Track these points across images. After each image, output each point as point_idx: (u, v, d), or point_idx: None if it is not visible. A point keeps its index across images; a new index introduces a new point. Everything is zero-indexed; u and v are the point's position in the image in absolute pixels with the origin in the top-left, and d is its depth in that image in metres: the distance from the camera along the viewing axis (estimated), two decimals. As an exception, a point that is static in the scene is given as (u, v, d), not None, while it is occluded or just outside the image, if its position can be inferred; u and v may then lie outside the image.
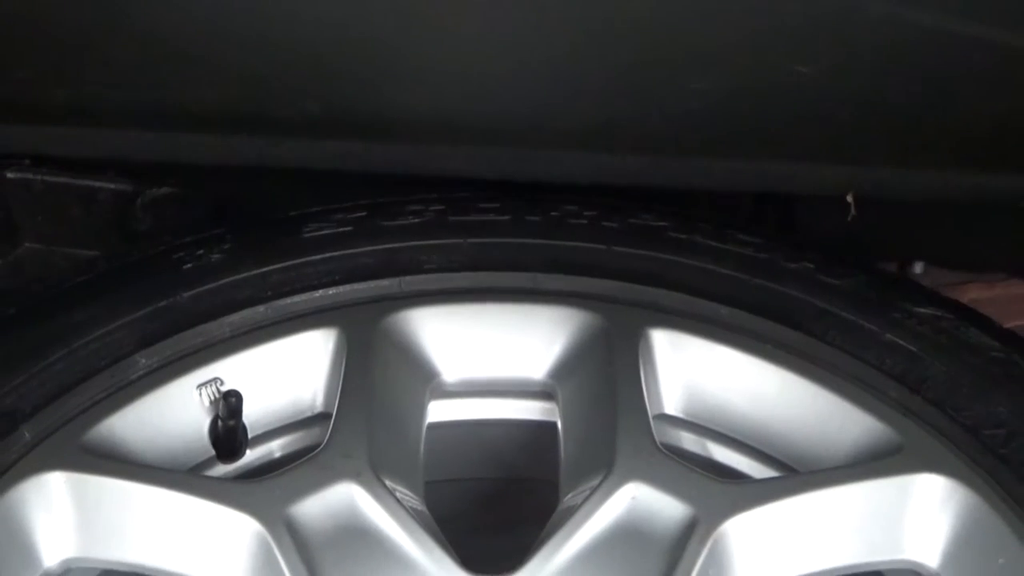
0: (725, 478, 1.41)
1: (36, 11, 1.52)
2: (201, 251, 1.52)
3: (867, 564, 1.37)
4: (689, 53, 1.47)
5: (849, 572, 1.38)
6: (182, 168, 1.74)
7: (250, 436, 1.45)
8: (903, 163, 1.60)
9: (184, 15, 1.50)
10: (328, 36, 1.50)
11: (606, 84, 1.53)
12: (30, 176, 1.75)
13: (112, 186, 1.76)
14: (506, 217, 1.56)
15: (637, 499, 1.34)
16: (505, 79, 1.56)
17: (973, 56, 1.41)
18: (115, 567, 1.37)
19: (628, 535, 1.34)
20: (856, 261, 1.55)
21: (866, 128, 1.55)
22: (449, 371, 1.49)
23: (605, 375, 1.43)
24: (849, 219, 1.70)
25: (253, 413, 1.44)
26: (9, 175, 1.74)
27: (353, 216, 1.55)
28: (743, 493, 1.36)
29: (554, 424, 1.46)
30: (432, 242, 1.53)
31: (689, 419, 1.47)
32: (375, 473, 1.35)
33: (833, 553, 1.35)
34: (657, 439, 1.38)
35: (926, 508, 1.34)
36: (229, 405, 1.41)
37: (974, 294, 1.70)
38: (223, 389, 1.42)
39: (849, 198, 1.69)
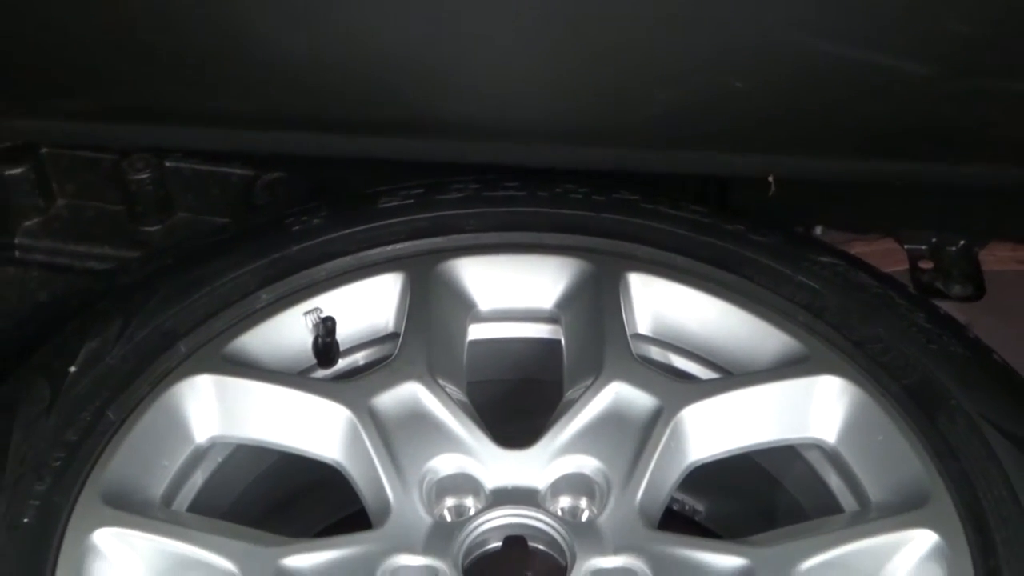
0: (682, 379, 1.42)
1: (188, 47, 1.52)
2: (305, 218, 1.51)
3: (783, 440, 1.37)
4: (655, 73, 1.47)
5: (770, 447, 1.38)
6: (290, 158, 1.74)
7: (341, 349, 1.44)
8: (811, 153, 1.59)
9: (292, 51, 1.50)
10: (397, 63, 1.50)
11: (596, 97, 1.53)
12: (182, 165, 1.75)
13: (239, 172, 1.76)
14: (523, 193, 1.55)
15: (619, 394, 1.35)
16: (524, 97, 1.56)
17: (866, 74, 1.41)
18: (246, 442, 1.38)
19: (612, 420, 1.35)
20: (775, 224, 1.54)
21: (784, 126, 1.54)
22: (483, 303, 1.48)
23: (595, 305, 1.43)
24: (770, 194, 1.69)
25: (343, 333, 1.44)
26: (167, 164, 1.75)
27: (414, 192, 1.54)
28: (695, 389, 1.37)
29: (559, 341, 1.46)
30: (471, 211, 1.52)
31: (656, 337, 1.46)
32: (432, 375, 1.36)
33: (759, 433, 1.36)
34: (633, 351, 1.39)
35: (826, 400, 1.35)
36: (326, 327, 1.41)
37: (859, 249, 1.70)
38: (322, 316, 1.41)
39: (770, 179, 1.68)
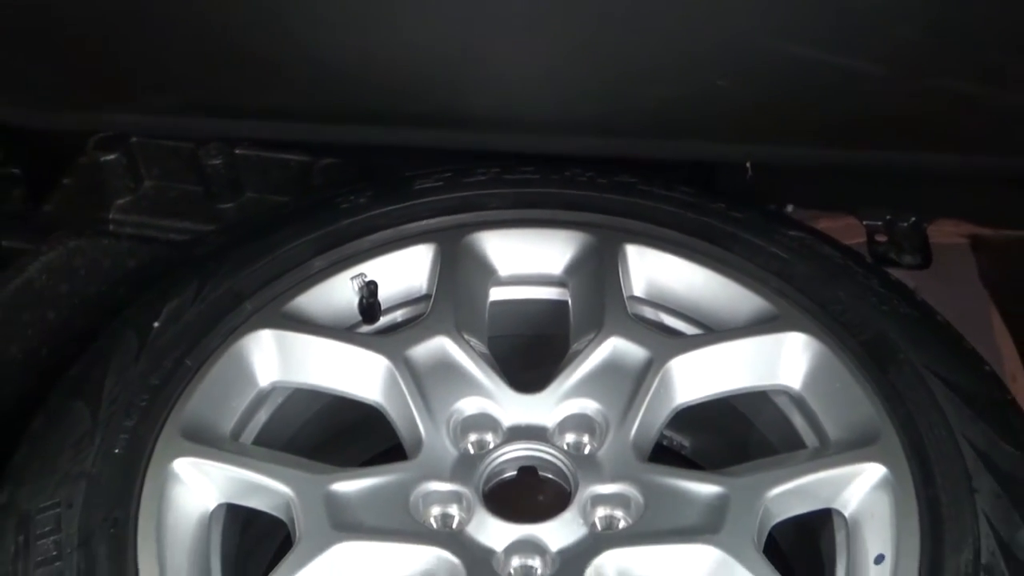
0: (670, 334, 1.41)
1: (255, 53, 1.52)
2: (353, 197, 1.50)
3: (756, 387, 1.36)
4: (652, 74, 1.46)
5: (745, 392, 1.37)
6: (341, 146, 1.73)
7: (382, 308, 1.43)
8: (783, 142, 1.57)
9: (343, 57, 1.50)
10: (431, 68, 1.50)
11: (600, 94, 1.52)
12: (250, 152, 1.74)
13: (298, 158, 1.74)
14: (537, 176, 1.53)
15: (617, 347, 1.35)
16: (539, 95, 1.55)
17: (830, 74, 1.40)
18: (302, 387, 1.38)
19: (611, 368, 1.35)
20: (751, 203, 1.52)
21: (760, 119, 1.53)
22: (503, 269, 1.47)
23: (597, 272, 1.42)
24: (748, 178, 1.68)
25: (384, 294, 1.43)
26: (237, 151, 1.73)
27: (444, 176, 1.52)
28: (681, 343, 1.37)
29: (566, 302, 1.45)
30: (493, 191, 1.50)
31: (648, 299, 1.45)
32: (458, 331, 1.36)
33: (735, 380, 1.36)
34: (629, 311, 1.38)
35: (793, 353, 1.34)
36: (370, 289, 1.41)
37: (824, 224, 1.67)
38: (366, 280, 1.41)
39: (748, 165, 1.68)
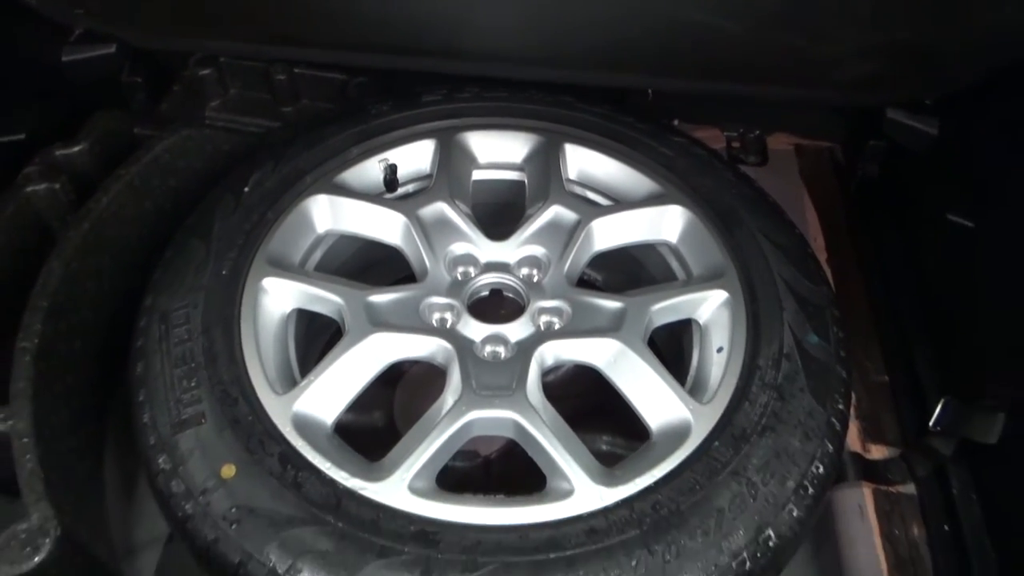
0: (592, 204, 1.44)
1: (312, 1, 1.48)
2: (379, 105, 1.50)
3: (647, 241, 1.40)
4: (588, 24, 1.45)
5: (639, 244, 1.40)
6: (369, 69, 1.71)
7: (400, 183, 1.45)
8: (673, 76, 1.58)
9: (372, 6, 1.46)
10: (437, 15, 1.47)
11: (552, 37, 1.51)
12: (305, 71, 1.71)
13: (339, 76, 1.72)
14: (506, 94, 1.53)
15: (557, 212, 1.39)
16: (512, 37, 1.52)
17: (707, 29, 1.39)
18: (346, 234, 1.41)
19: (553, 226, 1.39)
20: (651, 118, 1.53)
21: (659, 59, 1.52)
22: (482, 158, 1.49)
23: (545, 161, 1.45)
24: (649, 100, 1.71)
25: (401, 173, 1.45)
26: (296, 70, 1.71)
27: (442, 92, 1.52)
28: (598, 209, 1.40)
29: (523, 181, 1.48)
30: (476, 104, 1.51)
31: (578, 181, 1.47)
32: (452, 199, 1.39)
33: (634, 235, 1.40)
34: (566, 188, 1.42)
35: (672, 219, 1.38)
36: (392, 169, 1.43)
37: (698, 134, 1.67)
38: (389, 163, 1.43)
39: (649, 91, 1.70)
